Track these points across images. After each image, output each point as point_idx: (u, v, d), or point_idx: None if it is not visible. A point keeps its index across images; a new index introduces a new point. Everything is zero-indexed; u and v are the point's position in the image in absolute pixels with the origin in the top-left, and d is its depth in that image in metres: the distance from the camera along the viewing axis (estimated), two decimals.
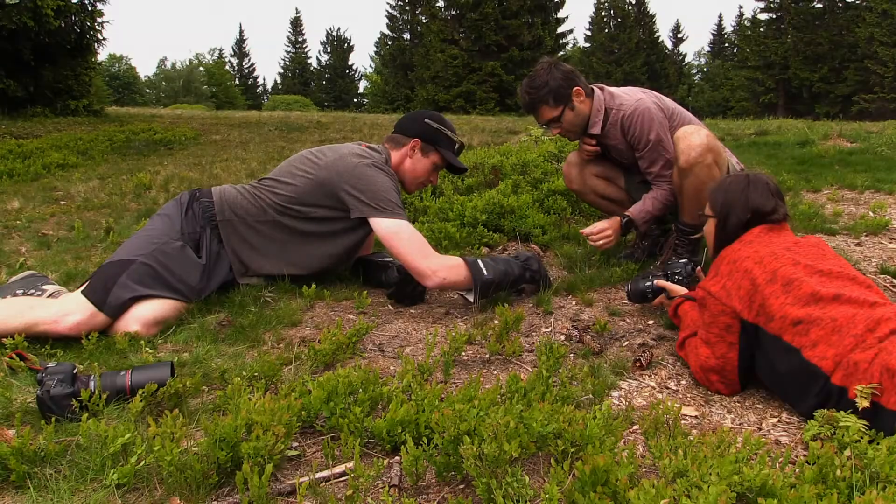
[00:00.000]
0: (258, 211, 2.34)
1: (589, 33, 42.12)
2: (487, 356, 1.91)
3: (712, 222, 1.87)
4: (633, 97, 2.56)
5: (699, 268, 2.23)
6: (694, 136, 2.31)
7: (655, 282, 2.15)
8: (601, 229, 2.58)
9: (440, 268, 2.23)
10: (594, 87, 2.62)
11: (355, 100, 49.07)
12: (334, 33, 50.77)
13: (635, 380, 1.76)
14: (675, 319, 2.00)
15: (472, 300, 2.28)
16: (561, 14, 30.73)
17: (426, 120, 2.54)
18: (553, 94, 2.52)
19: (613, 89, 2.63)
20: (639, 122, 2.49)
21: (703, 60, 55.78)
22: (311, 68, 52.49)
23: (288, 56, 52.66)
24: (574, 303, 2.38)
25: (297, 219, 2.36)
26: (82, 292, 2.03)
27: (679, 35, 49.79)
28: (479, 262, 2.29)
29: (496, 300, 2.32)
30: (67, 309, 1.96)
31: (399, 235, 2.26)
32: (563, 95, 2.53)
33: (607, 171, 2.86)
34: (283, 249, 2.40)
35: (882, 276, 2.56)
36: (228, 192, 2.38)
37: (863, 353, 1.35)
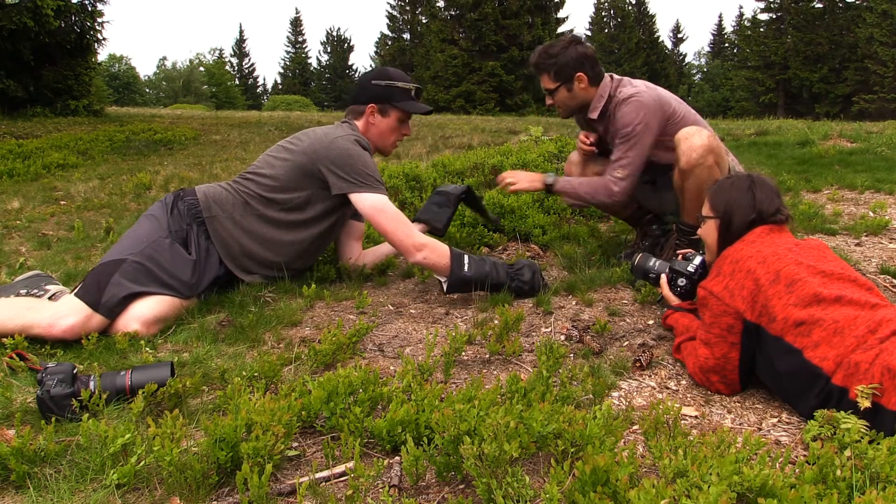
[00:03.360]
0: (242, 205, 2.38)
1: (589, 33, 42.15)
2: (487, 356, 1.91)
3: (712, 224, 1.86)
4: (637, 88, 2.53)
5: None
6: (695, 138, 2.30)
7: (661, 277, 2.13)
8: (513, 174, 2.69)
9: (424, 247, 2.30)
10: (607, 76, 2.60)
11: None
12: (334, 33, 50.88)
13: (635, 380, 1.76)
14: (666, 327, 2.03)
15: (445, 289, 2.36)
16: (561, 14, 30.76)
17: (373, 81, 2.51)
18: (557, 68, 2.53)
19: (628, 80, 2.60)
20: (626, 108, 2.46)
21: (703, 60, 55.85)
22: (311, 68, 52.52)
23: (288, 56, 52.70)
24: (574, 303, 2.38)
25: (281, 210, 2.39)
26: (76, 295, 2.03)
27: (679, 35, 49.96)
28: (465, 256, 2.34)
29: (496, 300, 2.32)
30: (61, 312, 1.96)
31: (385, 212, 2.31)
32: (566, 75, 2.54)
33: None
34: (269, 240, 2.42)
35: (882, 276, 2.56)
36: (212, 190, 2.41)
37: (864, 354, 1.35)
